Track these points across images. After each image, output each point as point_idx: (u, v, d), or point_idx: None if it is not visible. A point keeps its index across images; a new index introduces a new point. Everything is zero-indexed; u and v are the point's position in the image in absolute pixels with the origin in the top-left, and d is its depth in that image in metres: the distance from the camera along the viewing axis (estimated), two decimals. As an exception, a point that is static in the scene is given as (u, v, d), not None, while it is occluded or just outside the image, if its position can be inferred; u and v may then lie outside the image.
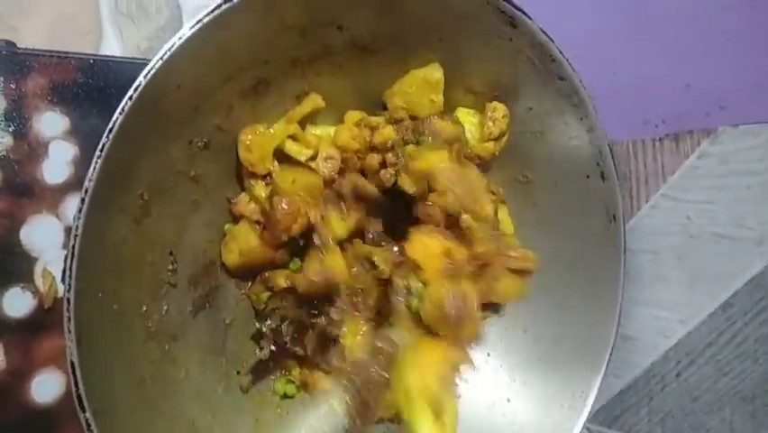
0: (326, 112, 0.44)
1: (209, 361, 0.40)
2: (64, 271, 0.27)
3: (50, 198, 0.41)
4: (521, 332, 0.48)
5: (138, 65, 0.45)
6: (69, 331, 0.28)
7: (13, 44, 0.42)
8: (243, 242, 0.41)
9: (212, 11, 0.30)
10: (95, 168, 0.28)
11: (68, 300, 0.27)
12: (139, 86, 0.29)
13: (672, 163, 0.51)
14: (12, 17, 0.50)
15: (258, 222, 0.41)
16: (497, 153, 0.46)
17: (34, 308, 0.41)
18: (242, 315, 0.43)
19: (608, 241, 0.44)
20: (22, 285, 0.40)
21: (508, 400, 0.47)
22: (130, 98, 0.29)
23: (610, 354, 0.44)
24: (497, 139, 0.45)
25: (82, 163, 0.42)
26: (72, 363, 0.28)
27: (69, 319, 0.28)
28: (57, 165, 0.42)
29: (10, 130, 0.40)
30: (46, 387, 0.41)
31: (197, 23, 0.30)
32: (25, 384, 0.40)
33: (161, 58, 0.29)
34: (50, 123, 0.42)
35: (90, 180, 0.28)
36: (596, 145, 0.43)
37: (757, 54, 0.47)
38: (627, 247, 0.44)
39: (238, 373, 0.41)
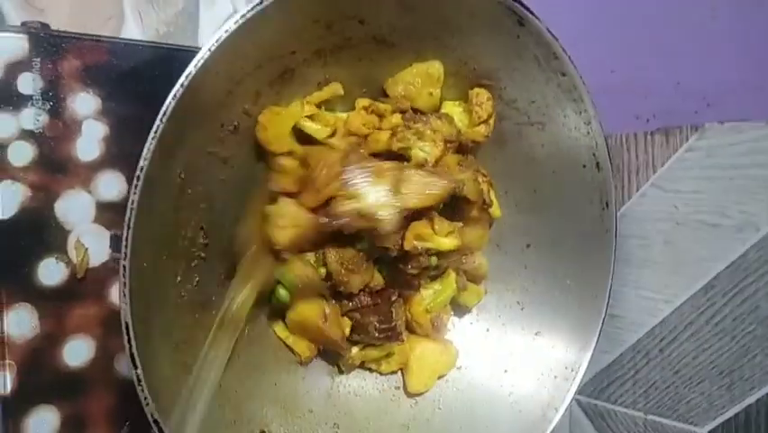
0: (342, 100, 0.47)
1: (233, 329, 0.43)
2: (121, 241, 0.30)
3: (83, 174, 0.44)
4: (518, 309, 0.52)
5: (163, 50, 0.47)
6: (125, 295, 0.30)
7: (48, 26, 0.44)
8: (292, 214, 0.42)
9: (255, 6, 0.33)
10: (149, 148, 0.30)
11: (124, 267, 0.30)
12: (190, 74, 0.32)
13: (661, 156, 0.55)
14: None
15: (292, 194, 0.43)
16: (489, 135, 0.49)
17: (67, 277, 0.43)
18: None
19: (600, 226, 0.48)
20: (56, 256, 0.43)
21: (506, 372, 0.50)
22: (182, 85, 0.31)
23: (600, 331, 0.48)
24: (485, 122, 0.48)
25: (112, 142, 0.44)
26: (126, 325, 0.31)
27: (125, 285, 0.30)
28: (89, 143, 0.44)
29: (46, 109, 0.42)
30: (77, 352, 0.43)
31: (242, 17, 0.33)
32: (58, 349, 0.43)
33: (209, 49, 0.32)
34: (84, 103, 0.44)
35: (145, 160, 0.30)
36: (592, 137, 0.47)
37: (742, 56, 0.51)
38: (618, 232, 0.48)
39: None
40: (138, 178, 0.30)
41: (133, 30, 0.56)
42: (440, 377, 0.51)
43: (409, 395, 0.50)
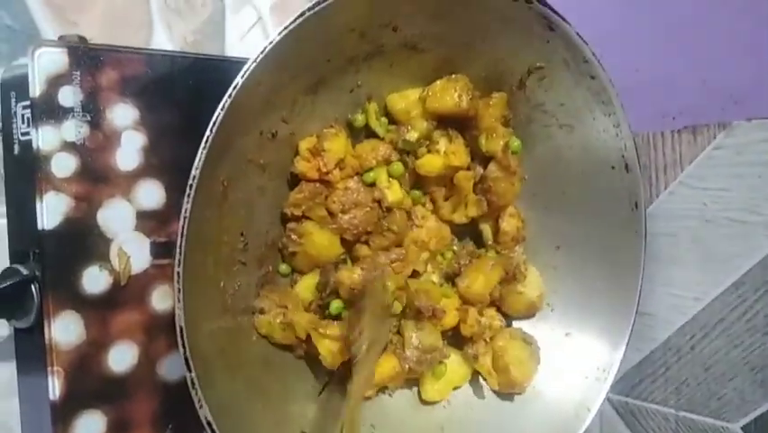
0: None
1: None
2: (175, 248, 0.31)
3: (123, 183, 0.44)
4: (548, 310, 0.52)
5: (196, 60, 0.48)
6: (179, 301, 0.31)
7: (86, 40, 0.45)
8: None
9: (296, 18, 0.34)
10: (200, 158, 0.31)
11: (179, 274, 0.31)
12: (237, 84, 0.32)
13: (689, 154, 0.55)
14: (72, 12, 0.53)
15: None
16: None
17: (110, 285, 0.44)
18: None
19: (630, 226, 0.48)
20: (99, 264, 0.43)
21: (537, 372, 0.51)
22: (230, 96, 0.32)
23: (631, 332, 0.48)
24: None
25: (150, 151, 0.45)
26: (181, 329, 0.31)
27: (179, 290, 0.31)
28: (128, 153, 0.45)
29: (87, 120, 0.43)
30: (121, 357, 0.44)
31: (284, 29, 0.33)
32: (103, 354, 0.44)
33: (255, 60, 0.33)
34: (122, 114, 0.44)
35: (196, 169, 0.31)
36: (621, 139, 0.47)
37: (768, 53, 0.52)
38: (647, 232, 0.48)
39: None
40: (190, 187, 0.31)
41: (162, 39, 0.57)
42: (455, 388, 0.51)
43: (424, 403, 0.50)
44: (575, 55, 0.44)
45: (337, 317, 0.44)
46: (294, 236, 0.44)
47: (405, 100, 0.46)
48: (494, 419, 0.50)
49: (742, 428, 0.54)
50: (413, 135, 0.45)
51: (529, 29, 0.43)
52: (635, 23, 0.57)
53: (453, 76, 0.46)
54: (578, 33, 0.43)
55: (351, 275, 0.43)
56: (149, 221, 0.45)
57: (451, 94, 0.45)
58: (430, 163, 0.46)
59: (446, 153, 0.46)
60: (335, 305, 0.44)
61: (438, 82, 0.46)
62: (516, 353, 0.49)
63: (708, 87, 0.54)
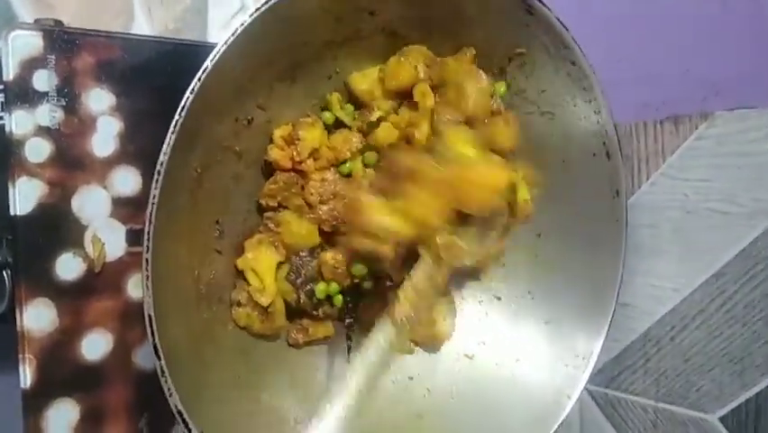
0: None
1: (249, 321, 0.44)
2: (139, 235, 0.30)
3: (99, 169, 0.44)
4: (529, 298, 0.52)
5: (175, 45, 0.47)
6: (147, 288, 0.31)
7: (62, 23, 0.44)
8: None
9: (268, 0, 0.33)
10: (168, 143, 0.31)
11: (147, 261, 0.31)
12: (206, 68, 0.32)
13: (671, 144, 0.55)
14: (49, -5, 0.52)
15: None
16: None
17: (84, 272, 0.44)
18: (276, 280, 0.46)
19: (611, 215, 0.48)
20: (73, 251, 0.43)
21: (517, 360, 0.51)
22: (199, 79, 0.32)
23: (611, 320, 0.48)
24: None
25: (127, 138, 0.45)
26: (149, 317, 0.31)
27: (148, 278, 0.31)
28: (104, 139, 0.44)
29: (62, 105, 0.43)
30: (95, 345, 0.44)
31: (256, 11, 0.33)
32: (76, 342, 0.43)
33: (225, 43, 0.32)
34: (98, 99, 0.44)
35: (164, 154, 0.31)
36: (602, 126, 0.47)
37: (751, 44, 0.51)
38: (628, 221, 0.48)
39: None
40: (158, 173, 0.31)
41: (143, 26, 0.56)
42: None
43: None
44: (555, 40, 0.44)
45: (328, 300, 0.44)
46: (271, 225, 0.44)
47: (367, 79, 0.45)
48: (472, 407, 0.50)
49: (720, 419, 0.54)
50: (376, 116, 0.45)
51: (507, 13, 0.43)
52: (618, 12, 0.57)
53: (404, 48, 0.44)
54: (557, 18, 0.43)
55: (335, 255, 0.43)
56: (124, 208, 0.45)
57: (406, 68, 0.44)
58: (385, 132, 0.44)
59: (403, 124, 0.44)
60: (321, 288, 0.44)
61: (391, 59, 0.45)
62: (441, 308, 0.50)
63: (690, 78, 0.54)
